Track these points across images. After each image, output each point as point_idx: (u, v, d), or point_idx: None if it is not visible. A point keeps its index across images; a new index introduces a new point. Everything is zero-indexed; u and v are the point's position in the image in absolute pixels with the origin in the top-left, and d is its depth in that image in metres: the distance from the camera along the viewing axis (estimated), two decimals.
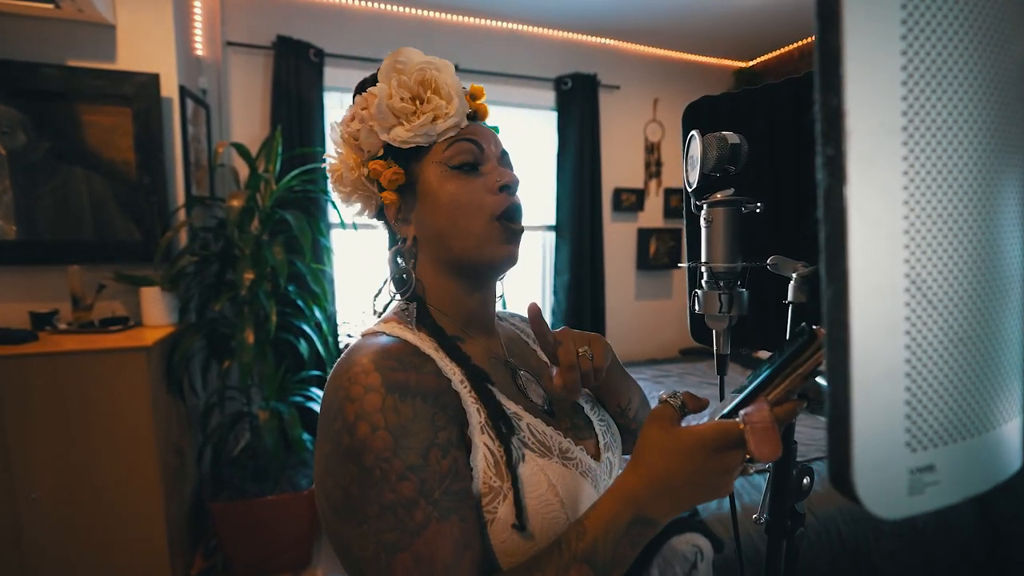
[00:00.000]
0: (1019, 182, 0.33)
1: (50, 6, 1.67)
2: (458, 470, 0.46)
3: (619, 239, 3.28)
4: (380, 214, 0.62)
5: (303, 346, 2.07)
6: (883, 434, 0.28)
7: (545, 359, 0.68)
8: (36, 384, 1.56)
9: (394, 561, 0.42)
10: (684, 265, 0.57)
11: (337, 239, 2.58)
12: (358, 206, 0.62)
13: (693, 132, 0.52)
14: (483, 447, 0.49)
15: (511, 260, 0.57)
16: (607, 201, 3.21)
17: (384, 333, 0.54)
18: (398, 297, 0.61)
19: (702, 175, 0.50)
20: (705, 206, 0.51)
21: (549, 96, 2.98)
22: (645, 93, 3.26)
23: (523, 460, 0.50)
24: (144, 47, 1.90)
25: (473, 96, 0.62)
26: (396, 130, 0.56)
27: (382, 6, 2.53)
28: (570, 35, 3.00)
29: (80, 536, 1.64)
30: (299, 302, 2.10)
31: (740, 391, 0.43)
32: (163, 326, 1.88)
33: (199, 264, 2.01)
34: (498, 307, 0.67)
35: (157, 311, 1.87)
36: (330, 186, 0.62)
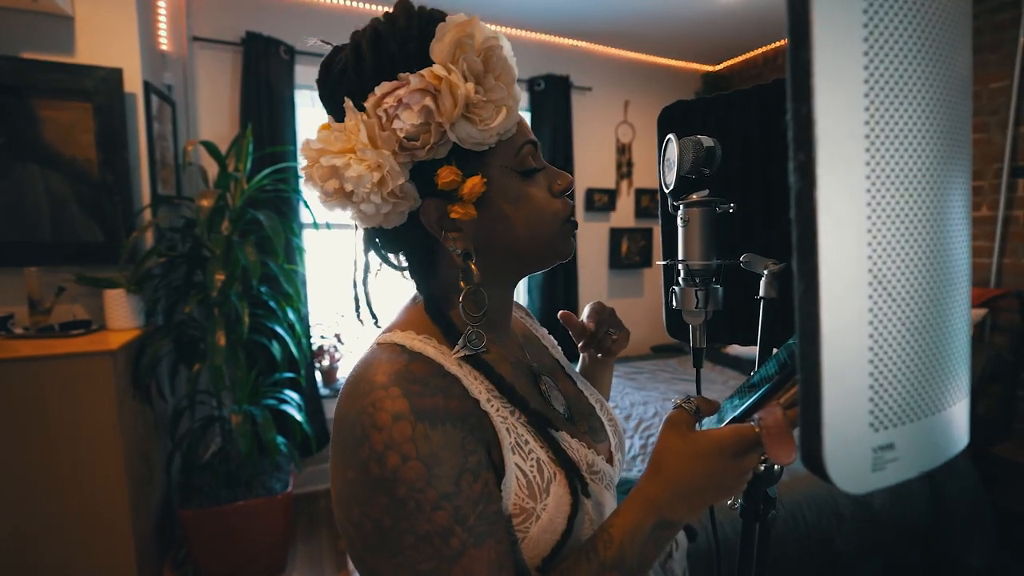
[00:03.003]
0: (964, 183, 0.37)
1: None
2: (490, 492, 0.45)
3: (592, 238, 3.33)
4: (411, 221, 0.51)
5: (276, 348, 2.04)
6: (849, 416, 0.30)
7: (557, 357, 0.69)
8: None
9: None
10: (661, 263, 0.59)
11: (309, 239, 2.53)
12: (380, 216, 0.49)
13: (670, 136, 0.54)
14: (515, 468, 0.47)
15: (570, 256, 0.56)
16: (580, 201, 3.26)
17: (402, 346, 0.49)
18: (418, 300, 0.55)
19: (678, 177, 0.53)
20: (682, 206, 0.54)
21: (523, 97, 3.00)
22: (616, 95, 3.32)
23: (554, 479, 0.49)
24: (105, 40, 1.83)
25: None
26: (466, 128, 0.46)
27: (354, 4, 2.50)
28: (544, 36, 3.03)
29: (41, 550, 1.57)
30: (272, 303, 2.06)
31: (741, 392, 0.44)
32: (128, 329, 1.81)
33: (166, 265, 1.95)
34: None
35: (122, 314, 1.81)
36: (339, 202, 0.48)
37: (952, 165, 0.35)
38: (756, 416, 0.38)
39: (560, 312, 0.74)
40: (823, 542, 1.52)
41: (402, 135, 0.45)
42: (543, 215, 0.52)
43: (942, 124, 0.33)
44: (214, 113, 2.33)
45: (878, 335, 0.31)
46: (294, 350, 2.05)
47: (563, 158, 3.04)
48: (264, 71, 2.28)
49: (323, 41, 0.52)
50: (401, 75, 0.45)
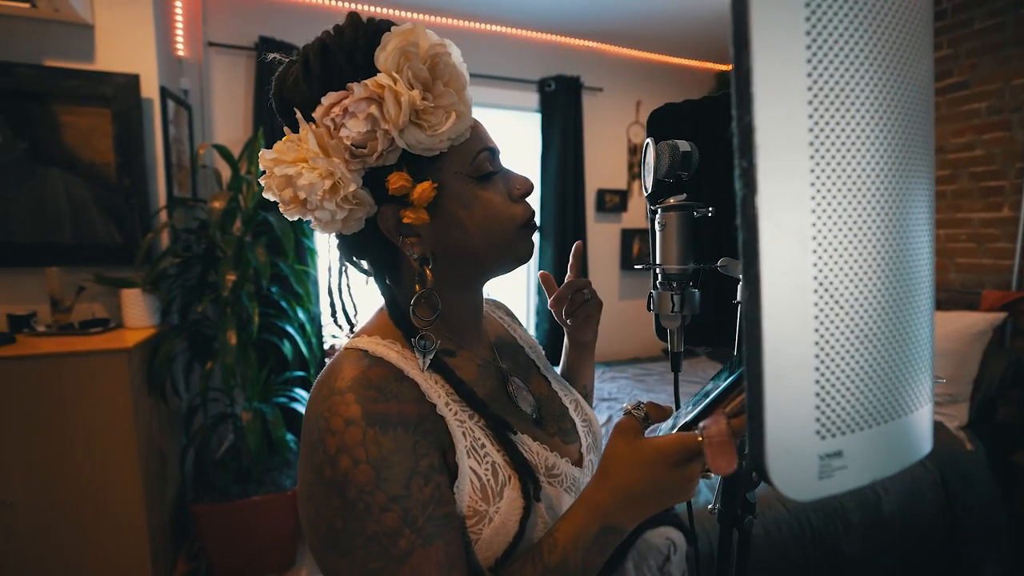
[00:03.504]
0: (925, 189, 0.36)
1: (26, 5, 1.65)
2: (441, 495, 0.46)
3: (603, 240, 3.32)
4: (366, 230, 0.52)
5: (287, 347, 2.08)
6: (794, 422, 0.30)
7: (534, 358, 0.70)
8: (12, 387, 1.55)
9: None
10: (638, 267, 0.59)
11: (321, 240, 2.57)
12: (337, 223, 0.50)
13: (648, 140, 0.55)
14: (469, 472, 0.48)
15: (529, 257, 0.57)
16: (591, 202, 3.25)
17: (366, 352, 0.50)
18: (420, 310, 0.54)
19: (656, 181, 0.53)
20: (659, 211, 0.54)
21: (533, 98, 3.01)
22: (628, 95, 3.30)
23: (509, 482, 0.50)
24: (124, 47, 1.89)
25: None
26: (415, 134, 0.47)
27: (364, 7, 2.54)
28: (554, 37, 3.03)
29: (57, 542, 1.63)
30: (283, 303, 2.10)
31: (697, 400, 0.45)
32: (144, 328, 1.87)
33: (181, 266, 2.00)
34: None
35: (138, 313, 1.86)
36: (291, 208, 0.49)
37: (911, 172, 0.34)
38: (701, 425, 0.38)
39: (540, 272, 0.77)
40: (829, 547, 1.49)
41: (349, 143, 0.47)
42: (498, 219, 0.53)
43: (897, 131, 0.33)
44: (229, 116, 2.39)
45: (825, 343, 0.31)
46: (304, 349, 2.09)
47: (573, 159, 3.03)
48: None
49: (281, 57, 0.53)
50: (348, 85, 0.46)
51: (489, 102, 2.89)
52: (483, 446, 0.50)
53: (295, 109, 0.48)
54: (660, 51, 3.29)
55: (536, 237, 0.59)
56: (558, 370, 0.82)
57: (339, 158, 0.47)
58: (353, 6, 2.51)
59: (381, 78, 0.45)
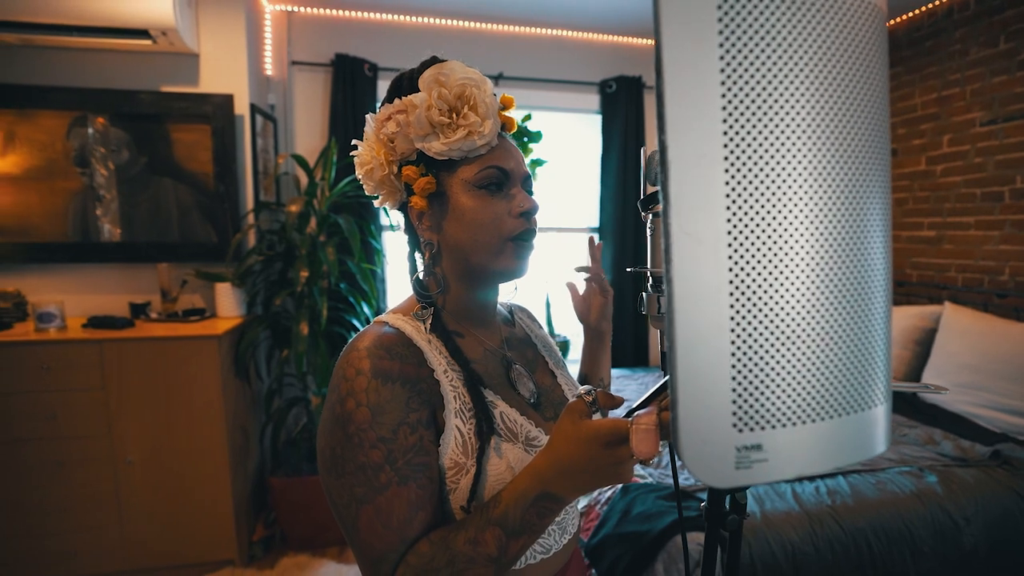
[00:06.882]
0: (878, 199, 0.37)
1: (148, 42, 1.94)
2: (423, 446, 0.55)
3: None
4: (403, 208, 0.67)
5: None
6: (710, 414, 0.33)
7: (544, 355, 0.77)
8: (132, 363, 1.83)
9: (360, 510, 0.52)
10: (629, 270, 0.62)
11: (391, 242, 2.75)
12: (381, 195, 0.67)
13: (644, 147, 0.57)
14: (455, 429, 0.57)
15: (520, 273, 0.65)
16: None
17: (388, 323, 0.61)
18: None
19: (646, 187, 0.56)
20: (650, 216, 0.56)
21: (594, 99, 3.01)
22: None
23: (488, 443, 0.57)
24: (221, 71, 2.15)
25: (503, 106, 0.65)
26: (432, 141, 0.59)
27: (430, 20, 2.68)
28: (615, 38, 3.01)
29: (163, 496, 1.90)
30: (350, 299, 2.29)
31: (652, 394, 0.47)
32: (233, 317, 2.12)
33: (264, 263, 2.24)
34: (510, 299, 0.76)
35: (228, 304, 2.12)
36: (357, 175, 0.66)
37: (855, 181, 0.35)
38: (636, 414, 0.41)
39: (568, 282, 0.85)
40: None
41: (384, 139, 0.62)
42: (487, 228, 0.61)
43: (836, 145, 0.34)
44: (308, 128, 2.63)
45: (742, 342, 0.33)
46: None
47: (634, 160, 2.99)
48: (350, 88, 2.52)
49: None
50: (395, 99, 0.62)
51: (549, 104, 2.93)
52: (470, 408, 0.58)
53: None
54: None
55: (528, 257, 0.66)
56: (576, 369, 0.86)
57: (381, 149, 0.63)
58: (423, 19, 2.66)
59: (413, 96, 0.60)
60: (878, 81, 0.36)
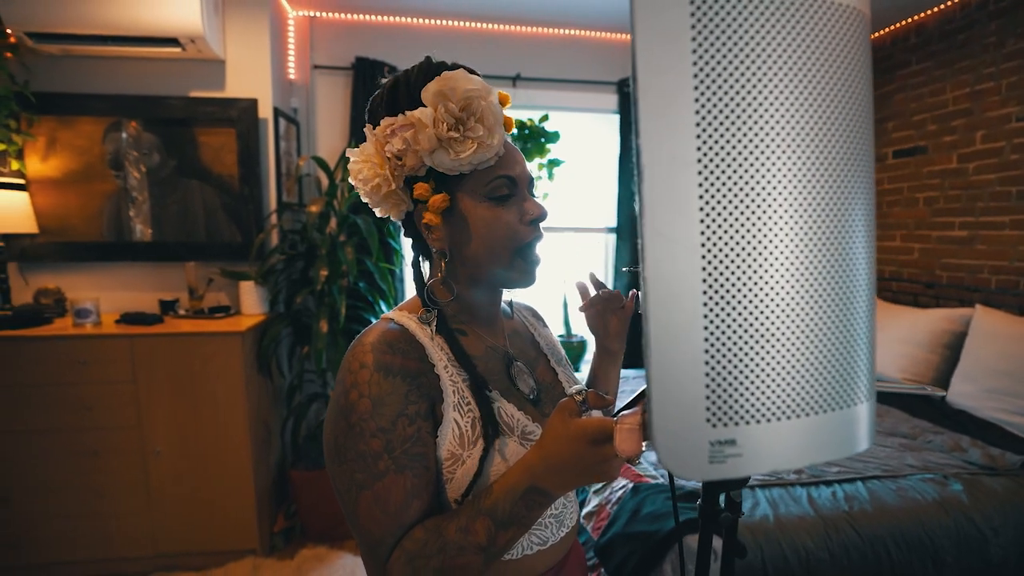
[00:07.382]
0: (861, 200, 0.37)
1: (177, 50, 2.02)
2: (420, 437, 0.57)
3: None
4: (407, 217, 0.67)
5: None
6: (684, 410, 0.34)
7: (546, 352, 0.78)
8: (161, 358, 1.91)
9: (360, 495, 0.55)
10: (626, 270, 0.63)
11: (408, 242, 2.79)
12: (383, 208, 0.66)
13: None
14: (452, 422, 0.59)
15: (532, 283, 0.66)
16: None
17: (393, 320, 0.64)
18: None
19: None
20: None
21: (612, 99, 3.00)
22: None
23: (492, 445, 0.59)
24: (246, 76, 2.22)
25: (500, 103, 0.63)
26: (441, 156, 0.59)
27: (448, 22, 2.71)
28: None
29: (190, 486, 1.98)
30: (369, 297, 2.33)
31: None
32: (257, 315, 2.19)
33: (286, 262, 2.30)
34: (513, 297, 0.78)
35: (252, 302, 2.19)
36: (357, 189, 0.65)
37: (836, 183, 0.36)
38: (622, 413, 0.42)
39: (577, 282, 0.85)
40: None
41: (391, 155, 0.61)
42: (499, 237, 0.62)
43: (814, 148, 0.35)
44: (330, 130, 2.69)
45: (716, 340, 0.33)
46: None
47: None
48: (370, 91, 2.57)
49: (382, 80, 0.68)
50: (399, 112, 0.60)
51: (567, 105, 2.93)
52: (468, 403, 0.61)
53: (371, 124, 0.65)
54: None
55: (539, 265, 0.67)
56: (584, 375, 0.88)
57: (385, 165, 0.62)
58: (440, 22, 2.69)
59: (420, 111, 0.58)
60: (860, 84, 0.36)
